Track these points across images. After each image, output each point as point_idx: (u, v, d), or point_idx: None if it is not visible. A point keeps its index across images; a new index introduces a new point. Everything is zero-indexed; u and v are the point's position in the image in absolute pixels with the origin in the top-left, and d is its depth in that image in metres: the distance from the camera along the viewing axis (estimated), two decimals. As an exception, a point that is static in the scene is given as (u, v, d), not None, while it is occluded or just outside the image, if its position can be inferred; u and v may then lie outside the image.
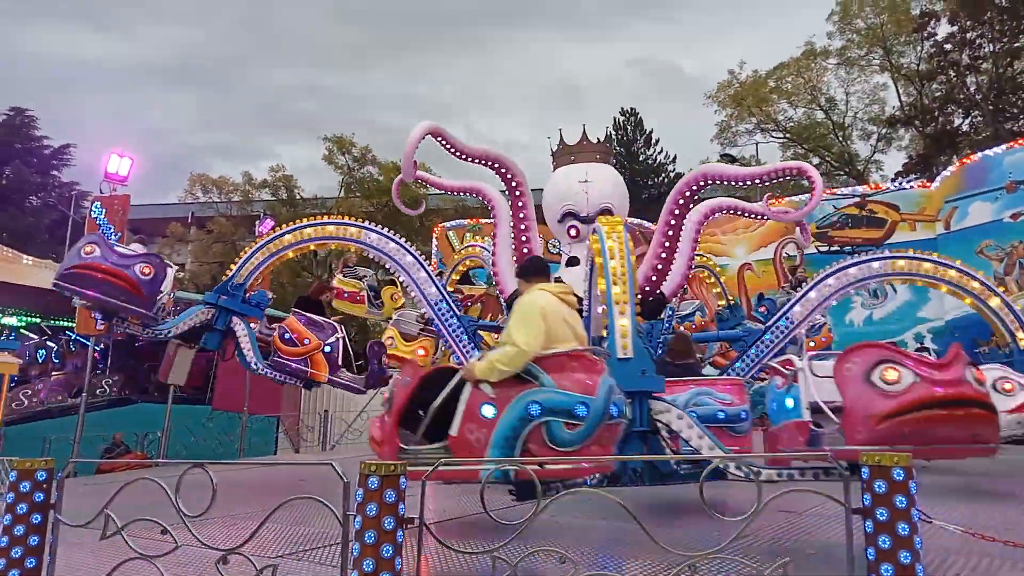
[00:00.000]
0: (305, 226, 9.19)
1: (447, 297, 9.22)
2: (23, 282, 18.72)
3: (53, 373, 19.44)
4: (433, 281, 9.18)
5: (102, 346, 18.64)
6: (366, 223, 9.46)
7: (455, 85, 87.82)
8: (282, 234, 9.14)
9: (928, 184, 18.99)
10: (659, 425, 5.17)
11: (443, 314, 9.11)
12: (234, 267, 8.92)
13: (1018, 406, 5.37)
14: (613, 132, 35.63)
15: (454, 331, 9.10)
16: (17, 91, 68.67)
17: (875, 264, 8.75)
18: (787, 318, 8.76)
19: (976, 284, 8.48)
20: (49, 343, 20.40)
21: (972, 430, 4.57)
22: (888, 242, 18.12)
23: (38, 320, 21.28)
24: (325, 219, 9.32)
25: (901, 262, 8.68)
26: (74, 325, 16.20)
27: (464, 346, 9.09)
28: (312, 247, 9.85)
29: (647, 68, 73.70)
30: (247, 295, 8.79)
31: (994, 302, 8.39)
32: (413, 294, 9.27)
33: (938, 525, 3.37)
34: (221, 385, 18.04)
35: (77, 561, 4.26)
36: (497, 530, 3.00)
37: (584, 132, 11.28)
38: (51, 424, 15.54)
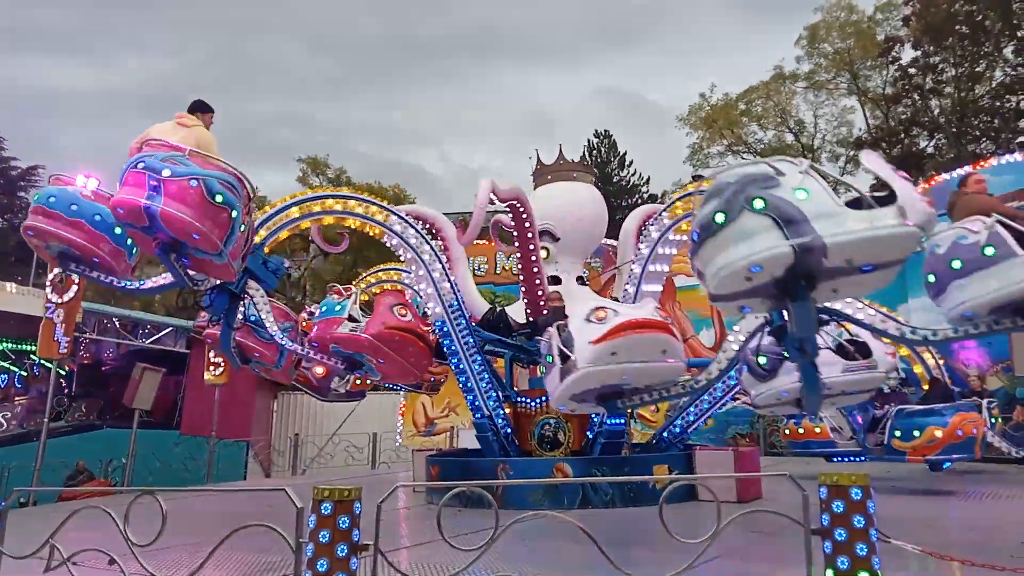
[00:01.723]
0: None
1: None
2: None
3: (16, 399, 18.95)
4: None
5: (66, 370, 18.25)
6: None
7: (430, 114, 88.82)
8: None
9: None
10: None
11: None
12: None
13: (603, 335, 5.18)
14: (587, 154, 35.95)
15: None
16: (-14, 116, 67.94)
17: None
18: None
19: None
20: (12, 368, 19.91)
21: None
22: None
23: (7, 345, 20.80)
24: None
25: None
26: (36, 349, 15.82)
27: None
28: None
29: (613, 97, 75.30)
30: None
31: None
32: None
33: (897, 545, 3.37)
34: (189, 409, 17.72)
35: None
36: (455, 555, 2.95)
37: (560, 151, 11.47)
38: (14, 451, 15.11)
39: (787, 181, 3.98)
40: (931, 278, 4.95)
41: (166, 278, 7.06)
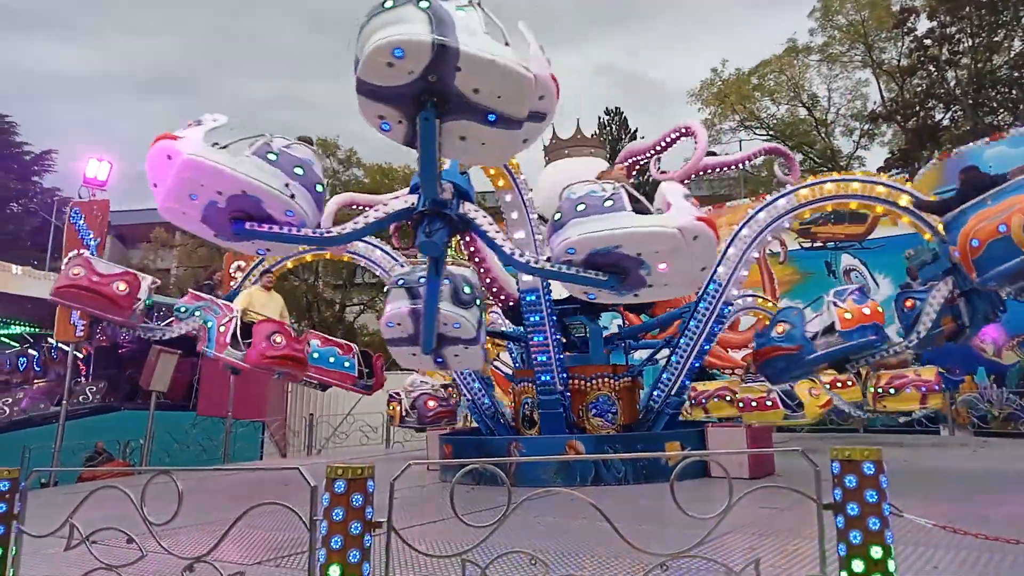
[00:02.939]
0: None
1: None
2: (8, 290, 18.52)
3: (35, 381, 19.22)
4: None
5: (84, 353, 18.46)
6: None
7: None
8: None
9: (910, 179, 19.09)
10: None
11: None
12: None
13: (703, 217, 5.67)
14: (598, 132, 35.66)
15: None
16: (-3, 98, 68.26)
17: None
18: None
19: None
20: (31, 351, 20.17)
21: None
22: (870, 237, 18.23)
23: (26, 329, 21.07)
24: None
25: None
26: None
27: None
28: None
29: (614, 76, 74.97)
30: None
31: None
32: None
33: (909, 519, 3.37)
34: (205, 390, 17.90)
35: (41, 572, 4.18)
36: (468, 533, 2.97)
37: (578, 126, 11.38)
38: (34, 433, 15.36)
39: (456, 0, 4.31)
40: (557, 216, 5.64)
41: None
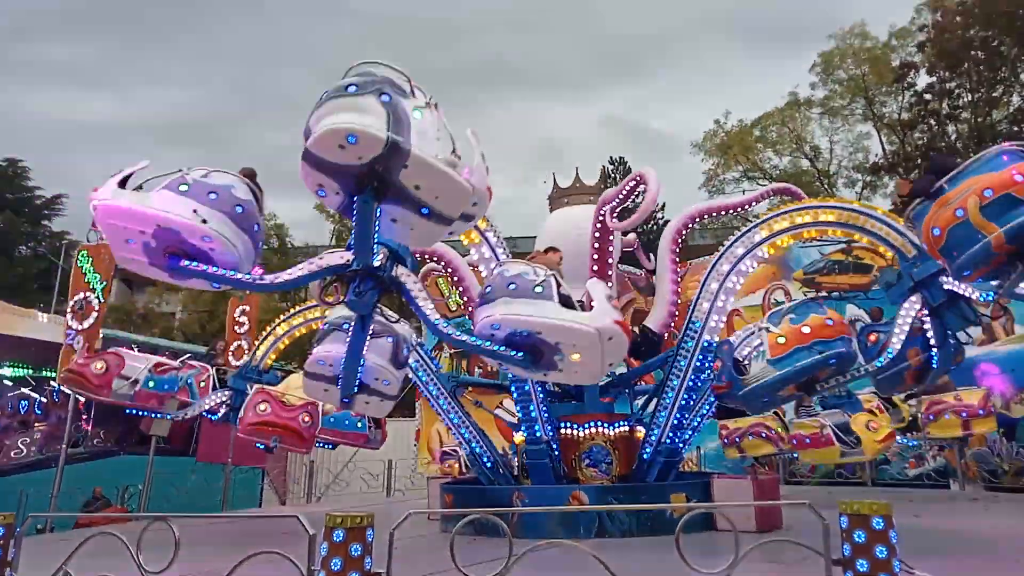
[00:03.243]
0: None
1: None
2: (15, 333, 18.53)
3: (36, 425, 19.09)
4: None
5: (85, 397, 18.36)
6: None
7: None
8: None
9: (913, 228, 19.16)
10: None
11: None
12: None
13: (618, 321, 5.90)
14: (602, 182, 36.04)
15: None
16: (12, 145, 69.79)
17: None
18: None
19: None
20: (32, 393, 20.09)
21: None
22: (876, 288, 18.22)
23: (29, 371, 21.02)
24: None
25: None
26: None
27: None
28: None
29: (619, 127, 76.52)
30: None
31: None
32: None
33: (922, 576, 3.29)
34: (205, 436, 17.75)
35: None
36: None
37: (577, 174, 11.56)
38: (31, 477, 15.19)
39: (415, 100, 4.74)
40: (488, 290, 6.05)
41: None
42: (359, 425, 10.40)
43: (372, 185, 4.68)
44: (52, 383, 18.10)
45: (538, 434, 8.84)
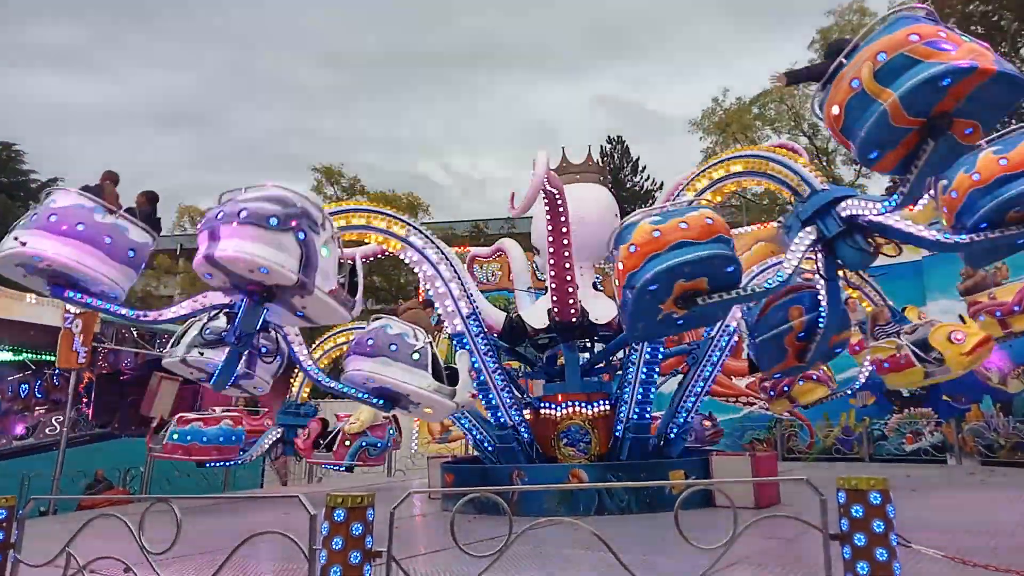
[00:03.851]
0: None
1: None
2: (10, 317, 18.47)
3: (36, 408, 19.12)
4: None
5: (86, 380, 18.38)
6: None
7: (436, 125, 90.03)
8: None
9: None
10: None
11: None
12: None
13: None
14: (600, 160, 35.86)
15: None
16: (7, 129, 69.35)
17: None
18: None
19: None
20: (32, 377, 20.10)
21: None
22: (873, 264, 18.18)
23: (29, 355, 21.01)
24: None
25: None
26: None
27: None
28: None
29: (613, 106, 76.09)
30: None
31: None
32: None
33: (917, 550, 3.31)
34: (206, 418, 17.77)
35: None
36: (469, 563, 2.93)
37: (564, 154, 11.50)
38: (33, 460, 15.24)
39: (323, 236, 5.39)
40: (369, 341, 7.10)
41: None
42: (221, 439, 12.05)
43: (263, 297, 5.35)
44: (52, 366, 18.11)
45: (502, 419, 9.01)
